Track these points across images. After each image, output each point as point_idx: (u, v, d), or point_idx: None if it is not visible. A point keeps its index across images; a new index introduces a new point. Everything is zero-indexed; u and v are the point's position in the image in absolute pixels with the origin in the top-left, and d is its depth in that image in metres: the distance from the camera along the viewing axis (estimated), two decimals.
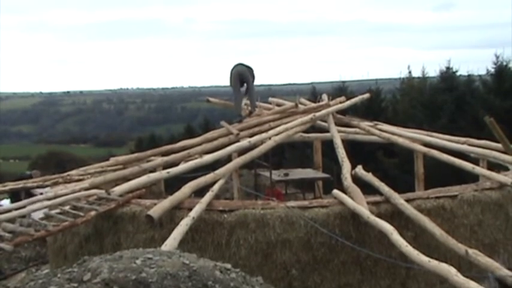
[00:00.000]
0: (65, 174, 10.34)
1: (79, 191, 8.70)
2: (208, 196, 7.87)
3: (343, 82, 25.46)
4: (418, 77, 25.47)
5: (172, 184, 9.53)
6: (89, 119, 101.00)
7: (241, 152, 9.83)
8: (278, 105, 12.35)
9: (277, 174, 11.70)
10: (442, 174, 12.60)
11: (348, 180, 8.48)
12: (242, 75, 11.76)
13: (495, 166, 9.73)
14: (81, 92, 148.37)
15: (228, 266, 4.93)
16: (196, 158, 9.80)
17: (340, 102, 12.18)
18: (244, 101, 12.20)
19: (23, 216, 7.79)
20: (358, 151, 16.96)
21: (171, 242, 6.65)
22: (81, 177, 9.90)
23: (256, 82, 12.32)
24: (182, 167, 9.29)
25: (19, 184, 10.08)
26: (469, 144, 10.18)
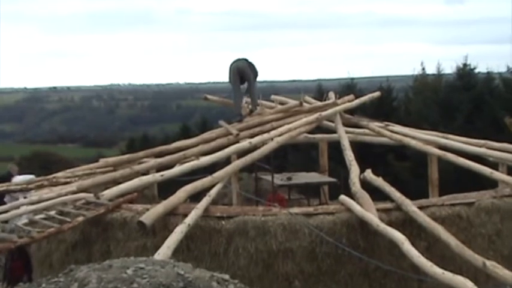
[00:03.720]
0: (51, 176, 10.35)
1: (66, 194, 8.71)
2: (205, 201, 7.87)
3: (352, 79, 25.47)
4: (433, 74, 25.47)
5: (167, 188, 9.52)
6: (77, 117, 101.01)
7: (241, 154, 9.83)
8: (281, 103, 12.35)
9: (279, 178, 11.69)
10: (458, 179, 12.59)
11: (356, 185, 8.48)
12: (242, 71, 11.75)
13: None
14: (68, 88, 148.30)
15: (226, 276, 4.94)
16: (192, 160, 9.79)
17: (348, 101, 12.17)
18: (245, 99, 12.20)
19: (5, 222, 7.81)
20: (367, 154, 16.93)
21: (164, 251, 6.66)
22: (68, 180, 9.91)
23: (258, 78, 12.33)
24: (177, 169, 9.29)
25: (1, 187, 10.09)
26: (488, 147, 10.17)
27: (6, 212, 8.43)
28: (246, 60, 11.99)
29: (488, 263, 6.35)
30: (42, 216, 7.92)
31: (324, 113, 11.13)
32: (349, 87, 23.85)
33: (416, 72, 26.23)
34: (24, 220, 8.16)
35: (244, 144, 9.88)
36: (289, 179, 11.76)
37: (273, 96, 13.10)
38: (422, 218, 7.42)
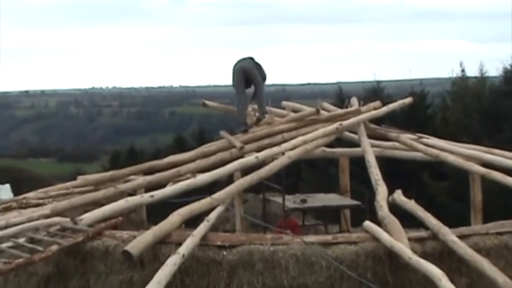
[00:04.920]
0: (20, 197, 10.38)
1: (37, 219, 8.71)
2: (203, 227, 7.86)
3: (378, 82, 25.55)
4: (475, 77, 25.47)
5: (157, 211, 9.52)
6: (51, 127, 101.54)
7: (246, 170, 9.82)
8: (294, 111, 12.36)
9: (292, 201, 11.68)
10: (505, 202, 12.51)
11: (383, 209, 8.45)
12: (248, 72, 11.79)
13: None
14: (42, 92, 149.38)
15: None
16: (188, 178, 9.79)
17: (374, 109, 12.17)
18: (251, 105, 12.22)
19: None
20: (397, 171, 16.90)
21: (154, 286, 6.63)
22: (40, 201, 9.92)
23: (266, 81, 12.34)
24: (170, 189, 9.29)
25: None
26: None
27: None
28: (252, 59, 12.04)
29: None
30: (9, 244, 7.91)
31: (345, 123, 11.11)
32: (375, 91, 23.91)
33: (454, 75, 26.26)
34: None
35: (250, 159, 9.88)
36: (304, 201, 11.74)
37: (284, 103, 13.12)
38: (464, 249, 7.38)
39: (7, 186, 10.93)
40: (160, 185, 9.74)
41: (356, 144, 11.47)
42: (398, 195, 9.02)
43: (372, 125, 11.85)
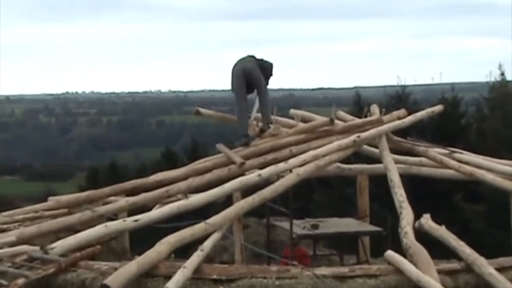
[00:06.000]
0: None
1: (1, 247, 8.71)
2: (196, 258, 7.86)
3: (403, 87, 25.58)
4: None
5: (142, 238, 9.52)
6: (17, 139, 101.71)
7: (247, 191, 9.83)
8: (304, 120, 12.38)
9: (301, 226, 11.67)
10: None
11: (408, 237, 8.45)
12: (250, 74, 11.79)
13: None
14: (7, 98, 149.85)
15: None
16: (178, 200, 9.80)
17: (399, 118, 12.19)
18: (253, 113, 12.24)
19: None
20: (426, 192, 16.92)
21: None
22: (4, 227, 9.91)
23: (272, 85, 12.36)
24: (157, 212, 9.30)
25: None
26: None
27: None
28: (254, 58, 12.04)
29: None
30: None
31: (364, 135, 11.13)
32: (399, 98, 23.93)
33: (493, 79, 26.27)
34: None
35: (252, 177, 9.89)
36: (315, 227, 11.74)
37: (292, 111, 13.13)
38: (503, 283, 7.39)
39: None
40: (146, 208, 9.74)
41: (377, 159, 11.48)
42: (427, 220, 9.02)
43: (396, 138, 11.87)
